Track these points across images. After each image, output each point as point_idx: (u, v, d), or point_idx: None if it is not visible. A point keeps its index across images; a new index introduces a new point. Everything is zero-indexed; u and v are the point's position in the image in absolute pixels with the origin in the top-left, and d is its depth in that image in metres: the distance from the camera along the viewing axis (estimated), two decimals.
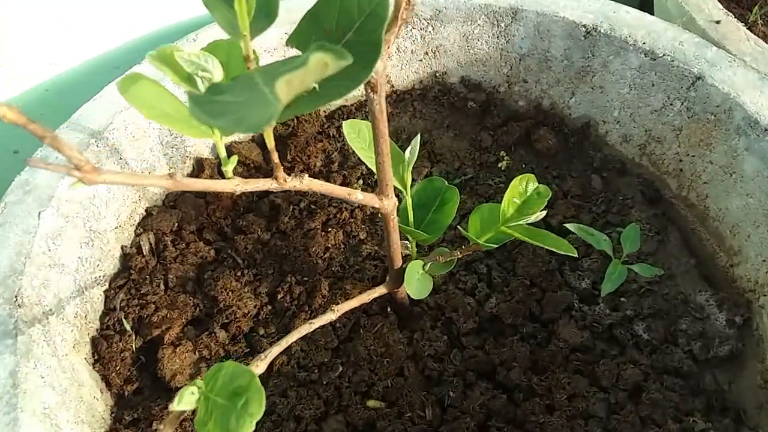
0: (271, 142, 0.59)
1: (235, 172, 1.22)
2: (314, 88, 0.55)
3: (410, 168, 0.88)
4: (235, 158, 0.63)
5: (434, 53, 1.30)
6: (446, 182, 0.92)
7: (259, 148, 1.27)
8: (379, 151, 0.69)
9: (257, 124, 0.32)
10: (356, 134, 0.88)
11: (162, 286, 1.06)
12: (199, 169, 1.22)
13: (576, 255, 0.76)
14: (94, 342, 0.98)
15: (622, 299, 1.02)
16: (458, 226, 0.87)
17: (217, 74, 0.55)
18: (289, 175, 1.20)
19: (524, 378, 0.94)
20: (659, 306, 1.01)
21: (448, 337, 0.99)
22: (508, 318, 1.00)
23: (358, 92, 1.36)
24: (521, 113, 1.30)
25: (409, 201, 0.90)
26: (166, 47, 0.58)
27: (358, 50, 0.51)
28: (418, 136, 0.89)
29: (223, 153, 0.62)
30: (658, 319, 1.00)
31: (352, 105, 1.36)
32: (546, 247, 0.78)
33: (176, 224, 1.14)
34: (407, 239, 0.92)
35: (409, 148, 0.89)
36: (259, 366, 0.65)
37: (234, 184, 0.61)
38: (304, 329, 0.75)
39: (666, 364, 0.95)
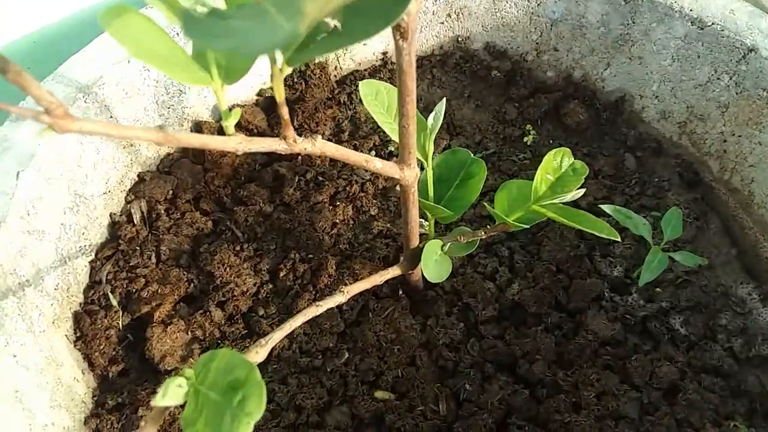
0: (281, 94, 0.51)
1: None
2: (335, 27, 0.46)
3: (433, 137, 0.80)
4: (237, 111, 0.54)
5: (458, 15, 1.20)
6: (471, 154, 0.83)
7: (264, 113, 1.18)
8: (404, 112, 0.60)
9: (266, 45, 0.23)
10: (374, 96, 0.79)
11: (153, 259, 0.98)
12: (197, 131, 1.13)
13: (619, 239, 0.67)
14: (77, 317, 0.90)
15: (658, 290, 0.94)
16: (485, 203, 0.78)
17: (220, 5, 0.46)
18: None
19: (548, 372, 0.86)
20: (697, 298, 0.93)
21: (464, 325, 0.92)
22: (531, 306, 0.92)
23: (372, 55, 1.26)
24: (550, 85, 1.21)
25: (430, 173, 0.81)
26: None
27: None
28: (443, 101, 0.80)
29: (224, 105, 0.53)
30: (697, 312, 0.92)
31: (365, 70, 1.27)
32: (583, 229, 0.70)
33: (171, 192, 1.05)
34: (424, 217, 0.84)
35: (432, 114, 0.80)
36: (259, 354, 0.57)
37: (236, 142, 0.52)
38: (311, 312, 0.67)
39: (704, 362, 0.88)
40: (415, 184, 0.71)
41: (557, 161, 0.78)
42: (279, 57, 0.47)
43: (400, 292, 0.96)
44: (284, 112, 0.52)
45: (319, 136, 0.57)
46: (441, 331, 0.91)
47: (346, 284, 0.96)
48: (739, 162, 1.02)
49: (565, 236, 1.00)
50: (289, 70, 0.48)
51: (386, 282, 0.90)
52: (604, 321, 0.90)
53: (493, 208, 0.82)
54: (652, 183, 1.08)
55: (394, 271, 0.84)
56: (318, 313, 0.69)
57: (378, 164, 0.65)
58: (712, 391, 0.85)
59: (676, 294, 0.94)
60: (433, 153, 1.01)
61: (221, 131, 1.15)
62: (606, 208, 0.89)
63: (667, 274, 0.95)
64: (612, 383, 0.84)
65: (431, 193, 0.82)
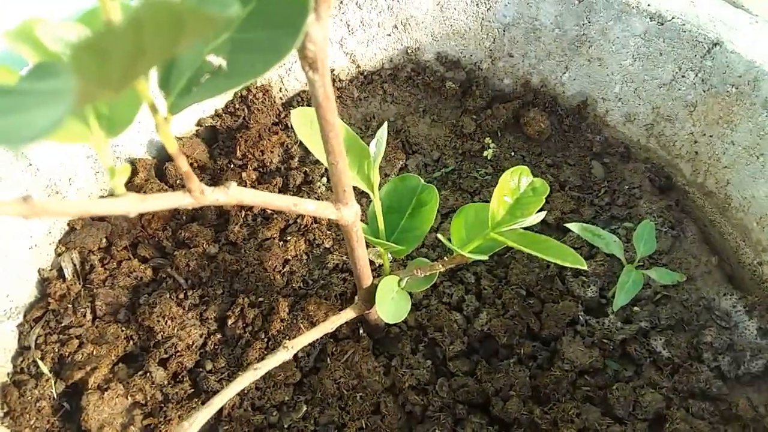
0: (172, 145, 0.44)
1: (179, 176, 1.07)
2: (220, 66, 0.40)
3: (377, 165, 0.74)
4: (127, 168, 0.47)
5: (404, 26, 1.14)
6: (422, 180, 0.78)
7: (205, 145, 1.12)
8: (330, 149, 0.54)
9: (28, 134, 0.17)
10: (308, 126, 0.73)
11: (88, 316, 0.91)
12: (132, 172, 1.06)
13: (586, 268, 0.62)
14: (4, 390, 0.83)
15: (635, 309, 0.89)
16: (438, 234, 0.72)
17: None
18: (240, 175, 1.05)
19: (524, 410, 0.81)
20: (679, 315, 0.88)
21: (432, 363, 0.86)
22: (502, 336, 0.87)
23: None
24: (508, 93, 1.16)
25: (377, 205, 0.75)
26: (30, 20, 0.43)
27: (278, 10, 0.37)
28: (385, 125, 0.74)
29: (107, 161, 0.46)
30: (679, 331, 0.87)
31: None
32: (546, 259, 0.64)
33: (105, 240, 0.98)
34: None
35: (374, 141, 0.74)
36: None
37: (128, 204, 0.46)
38: (247, 378, 0.60)
39: (691, 386, 0.83)
40: (357, 223, 0.65)
41: (515, 181, 0.73)
42: (162, 104, 0.41)
43: (361, 332, 0.90)
44: (181, 163, 0.46)
45: (233, 184, 0.51)
46: (407, 372, 0.85)
47: (300, 328, 0.90)
48: (712, 164, 0.98)
49: (533, 256, 0.94)
50: (172, 118, 0.42)
51: (345, 322, 0.84)
52: (580, 348, 0.85)
53: (449, 236, 0.76)
54: (622, 191, 1.03)
55: (347, 314, 0.78)
56: (257, 377, 0.62)
57: (310, 206, 0.59)
58: (701, 418, 0.80)
59: (656, 312, 0.89)
60: (389, 176, 0.96)
61: (159, 170, 1.08)
62: (572, 226, 0.84)
63: (645, 290, 0.91)
64: (593, 417, 0.79)
65: (381, 226, 0.77)
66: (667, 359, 0.84)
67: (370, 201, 0.74)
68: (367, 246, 0.82)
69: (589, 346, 0.85)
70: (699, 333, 0.87)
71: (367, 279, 0.76)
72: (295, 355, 0.87)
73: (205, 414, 0.53)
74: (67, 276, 0.94)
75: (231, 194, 0.51)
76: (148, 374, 0.84)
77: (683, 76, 0.97)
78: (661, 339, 0.86)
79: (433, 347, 0.89)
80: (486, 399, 0.82)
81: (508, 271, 0.95)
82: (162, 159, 1.09)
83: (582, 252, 0.94)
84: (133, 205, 0.46)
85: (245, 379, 0.60)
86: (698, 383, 0.82)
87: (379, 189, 0.77)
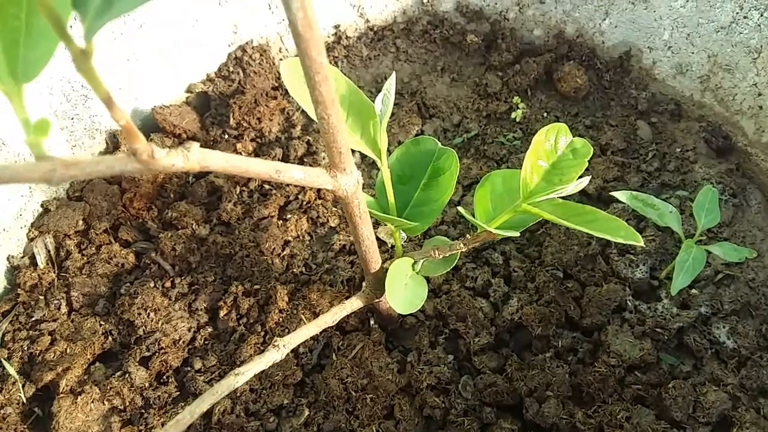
0: (100, 88, 0.35)
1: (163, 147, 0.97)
2: None
3: (384, 125, 0.63)
4: (46, 122, 0.37)
5: None
6: (439, 143, 0.67)
7: (196, 113, 1.02)
8: (318, 97, 0.44)
9: None
10: (300, 78, 0.63)
11: (63, 309, 0.83)
12: (113, 145, 0.97)
13: (642, 244, 0.51)
14: None
15: (693, 291, 0.79)
16: (459, 208, 0.62)
17: None
18: (235, 147, 0.94)
19: (564, 413, 0.71)
20: (745, 298, 0.78)
21: (454, 358, 0.77)
22: (536, 326, 0.76)
23: (324, 32, 1.09)
24: (538, 46, 1.05)
25: (386, 174, 0.65)
26: None
27: None
28: (393, 77, 0.64)
29: (22, 112, 0.36)
30: (745, 316, 0.77)
31: None
32: (593, 234, 0.54)
33: (82, 222, 0.89)
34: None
35: (380, 96, 0.64)
36: None
37: (47, 170, 0.36)
38: (224, 386, 0.50)
39: (762, 382, 0.72)
40: (358, 194, 0.55)
41: (551, 141, 0.63)
42: (77, 29, 0.31)
43: (371, 323, 0.81)
44: (117, 114, 0.36)
45: (195, 145, 0.41)
46: (424, 369, 0.75)
47: (302, 320, 0.81)
48: None
49: (572, 231, 0.83)
50: (93, 49, 0.32)
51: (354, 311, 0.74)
52: (629, 339, 0.74)
53: (473, 210, 0.66)
54: (673, 154, 0.91)
55: (353, 304, 0.69)
56: (239, 384, 0.52)
57: (296, 173, 0.49)
58: None
59: (718, 295, 0.78)
60: (400, 144, 0.85)
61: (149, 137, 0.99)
62: (620, 195, 0.72)
63: (705, 269, 0.79)
64: (646, 421, 0.69)
65: (391, 199, 0.66)
66: (732, 351, 0.74)
67: (378, 170, 0.64)
68: (377, 223, 0.72)
69: (640, 337, 0.75)
70: None
71: (375, 262, 0.66)
72: (296, 352, 0.77)
73: None
74: (39, 263, 0.85)
75: (192, 158, 0.41)
76: (127, 375, 0.76)
77: (745, 17, 0.84)
78: (724, 327, 0.75)
79: (455, 340, 0.79)
80: (518, 400, 0.73)
81: (541, 249, 0.84)
82: (147, 130, 1.00)
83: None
84: (55, 171, 0.36)
85: (222, 388, 0.50)
86: None
87: (389, 155, 0.67)
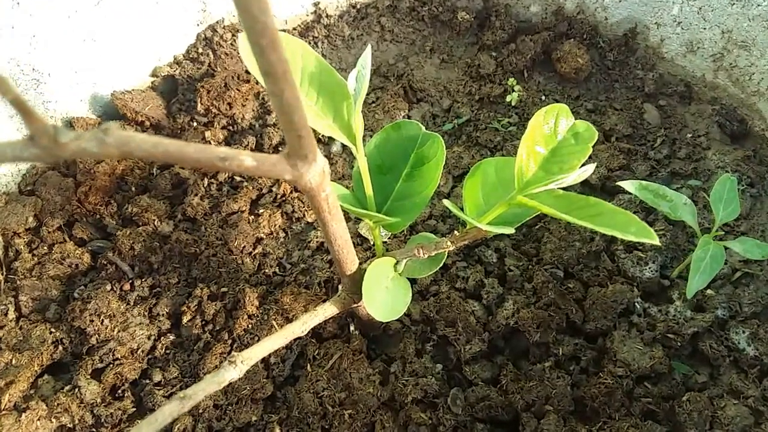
0: None
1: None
2: None
3: (359, 106, 0.56)
4: None
5: None
6: (423, 128, 0.60)
7: (162, 99, 0.94)
8: (267, 68, 0.36)
9: None
10: None
11: (10, 315, 0.76)
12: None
13: (657, 242, 0.43)
14: None
15: (709, 292, 0.72)
16: (445, 201, 0.54)
17: None
18: (203, 135, 0.87)
19: (565, 430, 0.64)
20: (766, 299, 0.71)
21: (443, 368, 0.70)
22: (533, 332, 0.69)
23: (299, 8, 1.01)
24: (535, 23, 0.98)
25: (362, 163, 0.58)
26: None
27: None
28: (368, 49, 0.56)
29: None
30: (767, 320, 0.68)
31: (294, 29, 1.02)
32: (598, 230, 0.47)
33: (33, 218, 0.82)
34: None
35: (353, 73, 0.56)
36: None
37: None
38: (163, 416, 0.43)
39: None
40: (325, 185, 0.47)
41: (550, 125, 0.57)
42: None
43: (351, 328, 0.73)
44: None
45: (113, 126, 0.33)
46: (410, 380, 0.68)
47: (273, 326, 0.73)
48: None
49: (573, 226, 0.76)
50: None
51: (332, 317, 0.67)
52: (637, 345, 0.68)
53: (462, 203, 0.58)
54: (684, 140, 0.84)
55: (326, 311, 0.61)
56: (184, 411, 0.45)
57: (247, 161, 0.41)
58: None
59: (736, 296, 0.71)
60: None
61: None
62: (627, 185, 0.65)
63: (721, 268, 0.72)
64: None
65: (369, 191, 0.59)
66: (753, 359, 0.68)
67: (355, 158, 0.57)
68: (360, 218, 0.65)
69: (649, 343, 0.69)
70: None
71: (350, 263, 0.59)
72: (266, 362, 0.70)
73: None
74: None
75: (109, 142, 0.34)
76: (77, 389, 0.68)
77: None
78: (744, 332, 0.69)
79: (444, 347, 0.73)
80: (514, 416, 0.67)
81: (539, 246, 0.77)
82: (109, 117, 0.92)
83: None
84: None
85: (163, 416, 0.43)
86: None
87: (367, 142, 0.60)
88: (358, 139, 0.58)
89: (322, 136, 0.91)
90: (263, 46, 0.35)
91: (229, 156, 0.39)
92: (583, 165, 0.52)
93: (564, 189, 0.53)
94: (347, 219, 0.84)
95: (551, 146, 0.55)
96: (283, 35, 0.57)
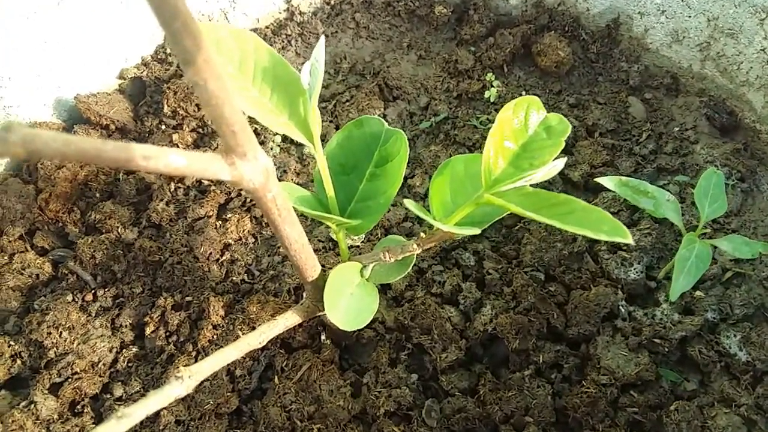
0: None
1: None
2: None
3: (315, 101, 0.52)
4: None
5: None
6: (385, 124, 0.56)
7: (129, 102, 0.91)
8: (184, 55, 0.33)
9: None
10: (215, 47, 0.51)
11: None
12: None
13: (631, 241, 0.39)
14: None
15: (698, 293, 0.68)
16: (406, 200, 0.50)
17: None
18: (171, 138, 0.83)
19: None
20: (758, 300, 0.68)
21: (418, 378, 0.66)
22: (513, 339, 0.66)
23: (272, 6, 0.98)
24: (515, 16, 0.94)
25: (322, 162, 0.54)
26: None
27: None
28: (322, 40, 0.53)
29: None
30: (760, 322, 0.67)
31: (267, 27, 0.98)
32: (568, 230, 0.43)
33: None
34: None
35: (307, 66, 0.53)
36: None
37: None
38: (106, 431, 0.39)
39: None
40: (271, 186, 0.43)
41: (520, 119, 0.54)
42: None
43: (323, 337, 0.70)
44: None
45: (16, 124, 0.29)
46: (383, 392, 0.65)
47: (239, 335, 0.69)
48: None
49: (554, 228, 0.72)
50: None
51: (301, 324, 0.64)
52: (622, 352, 0.64)
53: (428, 203, 0.55)
54: (671, 134, 0.81)
55: (287, 321, 0.58)
56: (122, 430, 0.41)
57: (176, 160, 0.37)
58: None
59: (727, 297, 0.68)
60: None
61: (72, 130, 0.87)
62: (606, 181, 0.61)
63: (710, 267, 0.68)
64: None
65: (330, 192, 0.55)
66: (745, 364, 0.64)
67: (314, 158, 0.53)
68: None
69: (635, 349, 0.66)
70: None
71: (311, 269, 0.56)
72: (232, 375, 0.66)
73: None
74: None
75: (13, 141, 0.30)
76: (32, 405, 0.65)
77: None
78: (735, 335, 0.65)
79: (419, 356, 0.70)
80: (492, 428, 0.64)
81: (519, 247, 0.74)
82: (74, 121, 0.89)
83: (620, 218, 0.72)
84: None
85: None
86: None
87: (327, 140, 0.56)
88: (315, 137, 0.54)
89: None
90: (176, 31, 0.31)
91: (153, 154, 0.35)
92: (556, 159, 0.49)
93: (544, 187, 0.49)
94: (321, 222, 0.80)
95: (522, 141, 0.52)
96: (233, 28, 0.54)
